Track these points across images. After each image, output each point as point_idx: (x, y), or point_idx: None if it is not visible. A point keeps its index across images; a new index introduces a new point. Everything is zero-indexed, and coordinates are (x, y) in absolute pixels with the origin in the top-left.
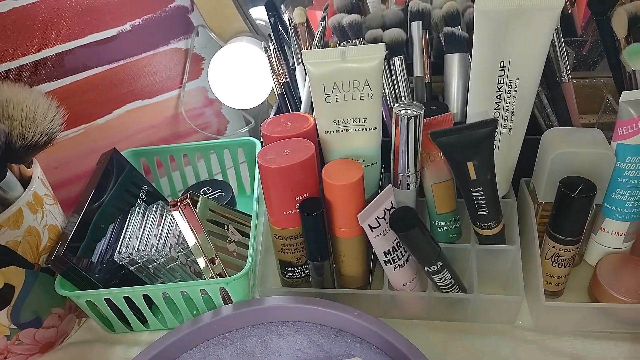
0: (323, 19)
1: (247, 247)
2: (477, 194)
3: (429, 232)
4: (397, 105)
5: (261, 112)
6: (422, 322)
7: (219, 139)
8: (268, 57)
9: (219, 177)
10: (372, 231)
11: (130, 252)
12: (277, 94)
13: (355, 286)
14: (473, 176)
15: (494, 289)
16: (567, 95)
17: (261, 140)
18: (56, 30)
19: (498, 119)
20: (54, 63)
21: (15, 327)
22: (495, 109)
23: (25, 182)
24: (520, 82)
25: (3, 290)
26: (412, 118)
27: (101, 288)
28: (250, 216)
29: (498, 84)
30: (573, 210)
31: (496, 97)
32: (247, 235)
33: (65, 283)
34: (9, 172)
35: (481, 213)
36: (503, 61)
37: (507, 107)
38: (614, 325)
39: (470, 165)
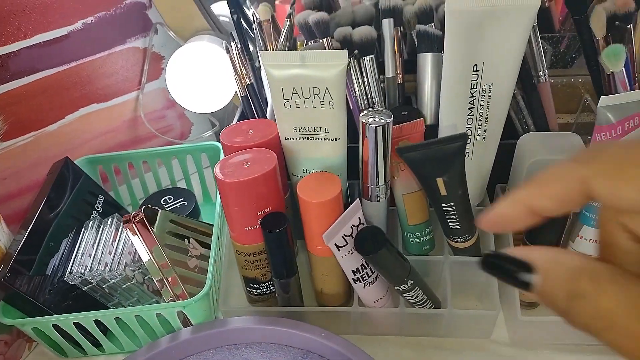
0: (289, 15)
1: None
2: (449, 209)
3: (397, 251)
4: (364, 113)
5: (227, 113)
6: (395, 338)
7: (181, 143)
8: (230, 58)
9: (182, 184)
10: (339, 250)
11: (82, 271)
12: (241, 97)
13: (337, 304)
14: (443, 192)
15: (469, 302)
16: (545, 96)
17: None
18: None
19: (472, 125)
20: None
21: None
22: (468, 115)
23: None
24: (494, 87)
25: None
26: (381, 127)
27: (49, 312)
28: None
29: (471, 89)
30: (550, 219)
31: (469, 102)
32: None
33: (9, 309)
34: None
35: (453, 227)
36: (476, 65)
37: (481, 113)
38: (590, 338)
39: (440, 181)
